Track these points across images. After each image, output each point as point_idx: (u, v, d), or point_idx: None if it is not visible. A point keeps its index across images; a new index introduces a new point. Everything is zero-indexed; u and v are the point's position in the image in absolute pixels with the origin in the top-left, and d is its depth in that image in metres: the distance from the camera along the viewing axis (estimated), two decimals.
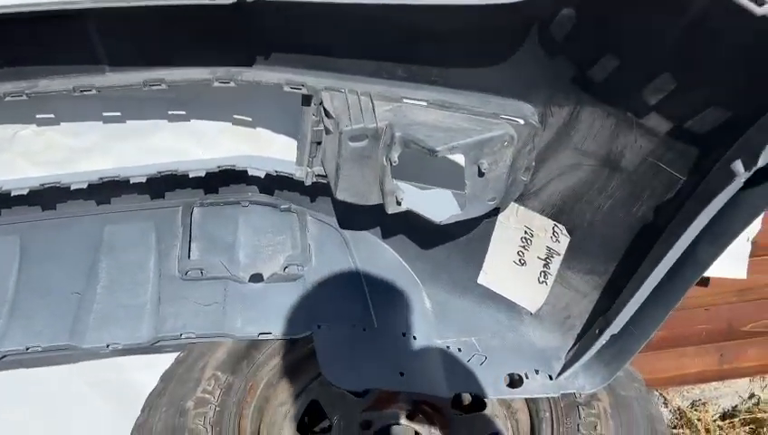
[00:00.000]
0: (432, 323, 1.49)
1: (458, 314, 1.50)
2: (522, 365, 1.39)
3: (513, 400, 1.42)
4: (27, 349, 1.43)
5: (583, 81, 1.06)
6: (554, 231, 1.30)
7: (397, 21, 1.10)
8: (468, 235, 1.46)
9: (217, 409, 1.32)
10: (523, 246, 1.38)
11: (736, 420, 2.28)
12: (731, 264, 1.86)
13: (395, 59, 1.22)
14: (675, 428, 2.31)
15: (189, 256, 1.57)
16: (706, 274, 1.91)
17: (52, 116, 1.46)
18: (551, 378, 1.36)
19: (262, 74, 1.32)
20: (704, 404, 2.34)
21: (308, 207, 1.62)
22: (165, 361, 1.59)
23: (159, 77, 1.30)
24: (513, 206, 1.34)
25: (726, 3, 0.76)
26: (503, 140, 1.15)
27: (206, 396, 1.34)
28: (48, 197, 1.51)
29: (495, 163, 1.18)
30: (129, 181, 1.49)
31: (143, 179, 1.49)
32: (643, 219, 1.14)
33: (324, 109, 1.27)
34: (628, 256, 1.20)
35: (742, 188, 0.90)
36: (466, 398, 1.60)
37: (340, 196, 1.30)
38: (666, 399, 2.33)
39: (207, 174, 1.51)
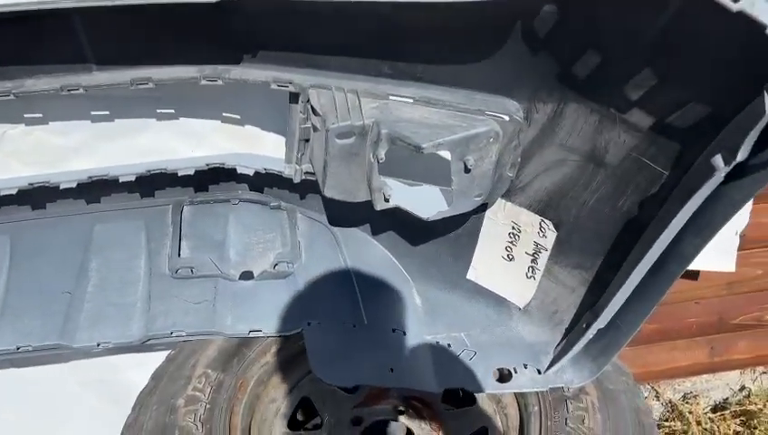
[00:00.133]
0: (422, 318, 1.50)
1: (448, 310, 1.51)
2: (511, 360, 1.39)
3: (502, 394, 1.43)
4: (18, 348, 1.43)
5: (567, 77, 1.06)
6: (541, 226, 1.31)
7: (381, 18, 1.11)
8: (457, 231, 1.46)
9: (208, 406, 1.32)
10: (511, 242, 1.39)
11: (727, 412, 2.29)
12: (719, 257, 1.87)
13: (381, 56, 1.22)
14: (666, 421, 2.33)
15: (179, 255, 1.57)
16: (696, 267, 1.96)
17: (40, 115, 1.46)
18: (539, 372, 1.37)
19: (249, 72, 1.32)
20: (695, 397, 2.35)
21: (298, 205, 1.62)
22: (157, 359, 1.59)
23: (146, 76, 1.30)
24: (500, 202, 1.35)
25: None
26: (488, 137, 1.16)
27: (197, 394, 1.35)
28: (37, 196, 1.51)
29: (481, 159, 1.18)
30: (118, 180, 1.49)
31: (132, 178, 1.49)
32: (628, 214, 1.15)
33: (311, 106, 1.28)
34: (614, 251, 1.21)
35: (723, 183, 0.91)
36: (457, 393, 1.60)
37: (328, 193, 1.30)
38: (657, 392, 2.35)
39: (197, 172, 1.52)
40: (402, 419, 1.48)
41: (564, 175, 1.21)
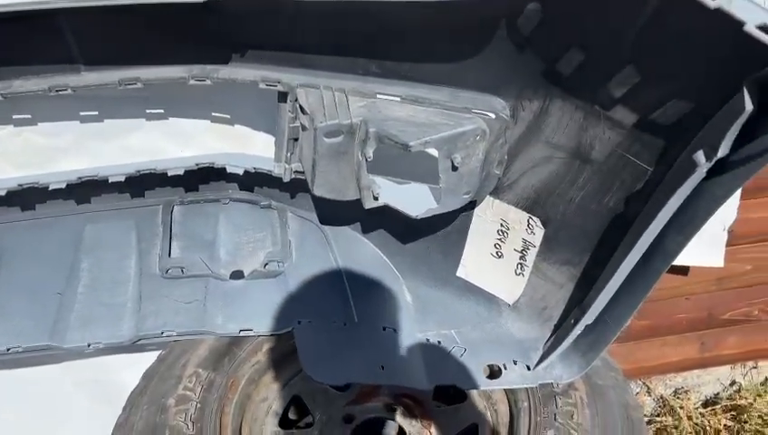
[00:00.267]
0: (412, 316, 1.50)
1: (438, 307, 1.52)
2: (500, 356, 1.40)
3: (492, 390, 1.43)
4: (8, 350, 1.43)
5: (552, 75, 1.07)
6: (529, 223, 1.32)
7: (368, 17, 1.11)
8: (446, 228, 1.47)
9: (198, 405, 1.32)
10: (500, 239, 1.40)
11: (718, 407, 2.31)
12: (708, 252, 1.89)
13: (368, 55, 1.23)
14: (658, 416, 2.35)
15: (170, 255, 1.57)
16: (685, 263, 1.97)
17: (29, 116, 1.46)
18: (529, 368, 1.37)
19: (237, 72, 1.32)
20: (686, 392, 2.37)
21: (288, 204, 1.62)
22: (150, 359, 1.59)
23: (135, 76, 1.30)
24: (488, 199, 1.36)
25: None
26: (475, 135, 1.16)
27: (188, 393, 1.35)
28: (27, 197, 1.51)
29: (468, 157, 1.19)
30: (107, 180, 1.49)
31: (122, 178, 1.50)
32: (614, 210, 1.16)
33: (300, 105, 1.28)
34: (601, 247, 1.22)
35: (705, 179, 0.92)
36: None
37: (317, 192, 1.31)
38: (649, 387, 2.36)
39: (187, 172, 1.52)
40: (393, 416, 1.48)
41: (551, 172, 1.22)
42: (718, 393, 2.40)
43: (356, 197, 1.30)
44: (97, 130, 1.51)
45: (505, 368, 1.38)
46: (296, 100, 1.29)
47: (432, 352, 1.43)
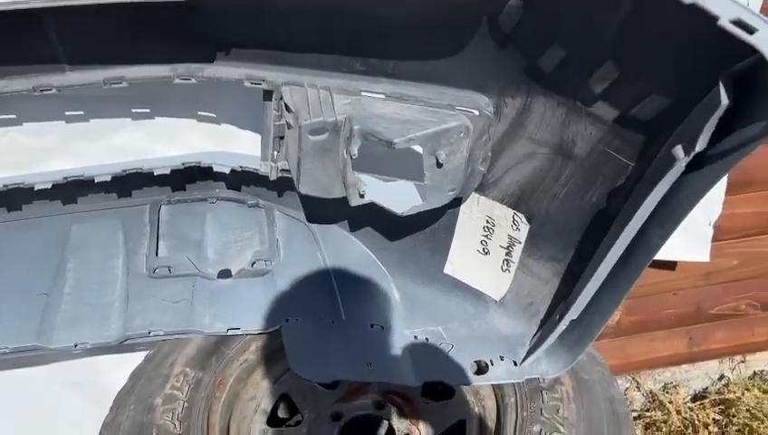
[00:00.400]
0: (400, 313, 1.51)
1: (426, 304, 1.52)
2: (487, 352, 1.41)
3: (480, 386, 1.44)
4: None
5: (533, 71, 1.08)
6: (514, 220, 1.33)
7: (350, 14, 1.12)
8: (433, 226, 1.48)
9: (186, 404, 1.32)
10: (486, 236, 1.40)
11: (706, 401, 2.32)
12: (694, 247, 1.90)
13: (352, 53, 1.23)
14: (648, 411, 2.36)
15: (157, 254, 1.57)
16: (671, 258, 1.98)
17: (14, 116, 1.45)
18: (515, 364, 1.38)
19: (222, 70, 1.32)
20: (675, 387, 2.38)
21: (275, 202, 1.63)
22: (139, 359, 1.59)
23: (120, 75, 1.30)
24: (474, 196, 1.36)
25: None
26: (458, 131, 1.17)
27: (175, 392, 1.35)
28: (12, 198, 1.51)
29: (453, 154, 1.20)
30: (93, 180, 1.49)
31: (108, 178, 1.49)
32: (597, 206, 1.17)
33: (285, 103, 1.28)
34: (585, 242, 1.23)
35: (685, 173, 0.93)
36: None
37: (302, 190, 1.31)
38: (638, 382, 2.37)
39: (173, 171, 1.52)
40: (382, 413, 1.49)
41: (534, 168, 1.23)
42: (707, 387, 2.42)
43: (342, 194, 1.31)
44: (83, 130, 1.51)
45: (492, 364, 1.39)
46: (281, 98, 1.29)
47: (419, 349, 1.44)
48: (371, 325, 1.47)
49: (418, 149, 1.18)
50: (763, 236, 2.09)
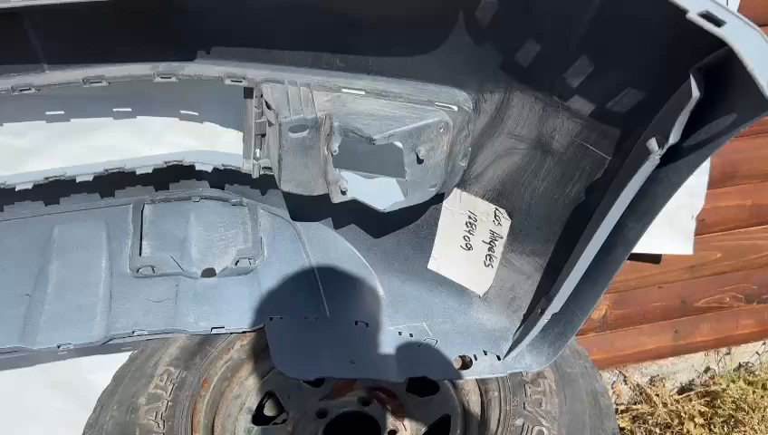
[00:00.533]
0: (384, 310, 1.51)
1: (410, 300, 1.53)
2: (471, 347, 1.41)
3: (464, 381, 1.44)
4: None
5: (511, 66, 1.08)
6: (496, 215, 1.33)
7: (327, 11, 1.12)
8: (416, 222, 1.48)
9: (170, 404, 1.32)
10: (469, 231, 1.41)
11: (692, 393, 2.34)
12: (677, 241, 1.92)
13: (332, 49, 1.23)
14: (635, 404, 2.37)
15: (140, 254, 1.57)
16: (655, 251, 2.00)
17: None
18: (499, 358, 1.39)
19: (203, 68, 1.32)
20: (662, 380, 2.40)
21: (259, 201, 1.62)
22: (124, 359, 1.58)
23: (99, 74, 1.30)
24: (456, 192, 1.37)
25: None
26: (438, 127, 1.17)
27: (159, 392, 1.34)
28: None
29: (433, 150, 1.20)
30: (75, 180, 1.48)
31: (90, 178, 1.49)
32: (576, 200, 1.17)
33: (265, 101, 1.28)
34: (565, 237, 1.23)
35: (660, 166, 0.93)
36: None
37: (284, 187, 1.31)
38: (625, 376, 2.39)
39: (156, 170, 1.51)
40: (367, 410, 1.49)
41: (515, 163, 1.23)
42: (693, 380, 2.44)
43: (324, 192, 1.31)
44: (64, 130, 1.50)
45: (476, 358, 1.39)
46: (261, 95, 1.29)
47: (404, 345, 1.44)
48: (356, 322, 1.47)
49: (399, 145, 1.19)
50: (746, 228, 2.11)
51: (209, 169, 1.50)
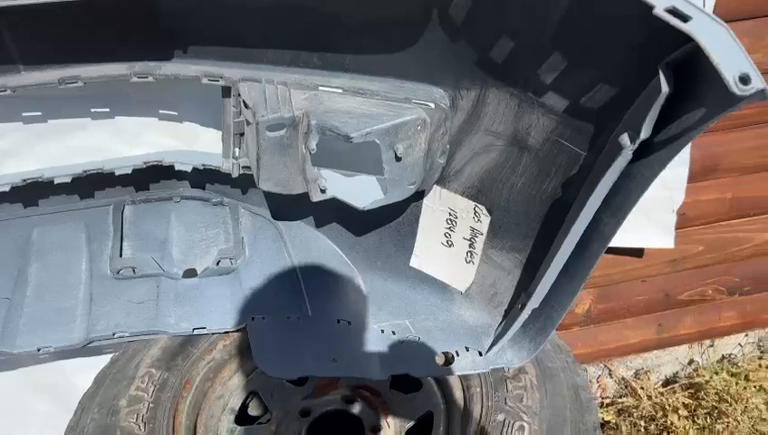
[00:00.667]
0: (367, 308, 1.51)
1: (393, 298, 1.53)
2: (453, 344, 1.42)
3: (446, 377, 1.45)
4: None
5: (485, 63, 1.09)
6: (476, 211, 1.34)
7: (302, 9, 1.11)
8: (398, 219, 1.48)
9: (151, 405, 1.31)
10: (449, 228, 1.41)
11: (677, 385, 2.36)
12: (659, 235, 1.93)
13: (309, 47, 1.23)
14: (620, 397, 2.39)
15: (121, 255, 1.56)
16: (637, 245, 2.01)
17: None
18: (480, 354, 1.39)
19: (180, 68, 1.31)
20: (646, 373, 2.42)
21: (240, 200, 1.62)
22: (107, 361, 1.57)
23: (75, 74, 1.29)
24: (435, 189, 1.37)
25: None
26: (416, 125, 1.17)
27: (140, 394, 1.34)
28: None
29: (411, 148, 1.20)
30: (53, 182, 1.47)
31: (68, 179, 1.47)
32: (553, 196, 1.18)
33: (243, 100, 1.28)
34: (544, 232, 1.24)
35: (633, 161, 0.94)
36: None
37: (263, 186, 1.30)
38: (610, 370, 2.41)
39: (136, 171, 1.50)
40: (351, 408, 1.49)
41: (492, 160, 1.24)
42: (677, 372, 2.46)
43: (303, 190, 1.30)
44: (41, 132, 1.48)
45: (458, 355, 1.40)
46: (239, 94, 1.28)
47: (386, 343, 1.45)
48: (338, 321, 1.47)
49: (376, 142, 1.19)
50: (727, 221, 2.13)
51: (189, 169, 1.49)
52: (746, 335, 2.46)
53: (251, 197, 1.59)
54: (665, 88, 0.81)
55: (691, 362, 2.45)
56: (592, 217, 1.05)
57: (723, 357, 2.46)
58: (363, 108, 1.21)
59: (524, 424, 1.25)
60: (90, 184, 1.55)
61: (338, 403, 1.50)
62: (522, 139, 1.15)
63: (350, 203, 1.28)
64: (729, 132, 1.89)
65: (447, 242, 1.43)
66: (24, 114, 1.46)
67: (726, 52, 0.72)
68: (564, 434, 1.25)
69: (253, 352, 1.39)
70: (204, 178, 1.58)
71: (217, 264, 1.54)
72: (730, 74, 0.71)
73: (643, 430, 2.21)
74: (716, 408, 2.22)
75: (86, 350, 1.49)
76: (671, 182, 1.83)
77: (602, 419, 2.29)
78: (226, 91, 1.34)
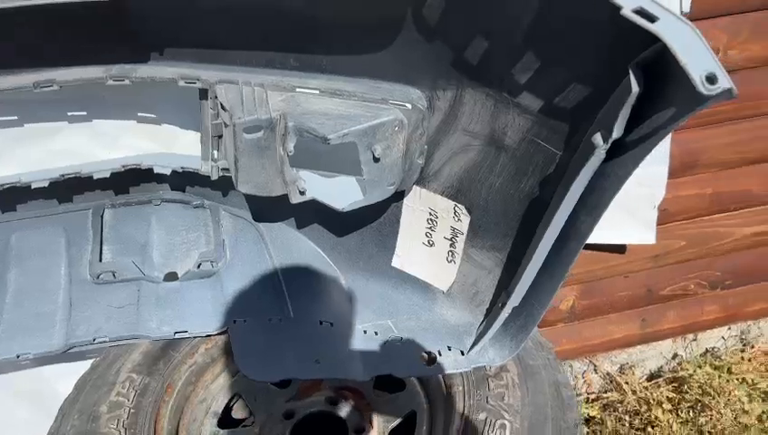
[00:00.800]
0: (349, 309, 1.51)
1: (375, 298, 1.53)
2: (436, 343, 1.42)
3: (429, 377, 1.45)
4: None
5: (461, 63, 1.09)
6: (455, 211, 1.34)
7: (277, 11, 1.11)
8: (379, 220, 1.48)
9: (132, 411, 1.30)
10: (430, 228, 1.41)
11: (661, 380, 2.38)
12: (640, 230, 1.94)
13: (286, 49, 1.22)
14: (606, 392, 2.41)
15: (101, 259, 1.55)
16: (619, 241, 2.03)
17: None
18: (463, 353, 1.40)
19: (157, 70, 1.30)
20: (631, 368, 2.44)
21: (221, 202, 1.61)
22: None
23: (50, 78, 1.28)
24: (415, 189, 1.37)
25: None
26: (393, 125, 1.17)
27: (120, 399, 1.33)
28: None
29: (389, 148, 1.20)
30: (30, 187, 1.45)
31: (45, 184, 1.46)
32: (531, 195, 1.19)
33: (220, 102, 1.27)
34: (522, 231, 1.24)
35: (606, 160, 0.94)
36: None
37: (241, 189, 1.30)
38: (595, 365, 2.42)
39: (116, 174, 1.49)
40: (334, 409, 1.49)
41: (470, 160, 1.24)
42: (662, 367, 2.48)
43: (282, 192, 1.30)
44: (19, 135, 1.47)
45: (441, 354, 1.40)
46: (216, 96, 1.27)
47: (369, 343, 1.44)
48: (320, 322, 1.47)
49: (354, 144, 1.18)
50: (708, 216, 2.15)
51: (168, 172, 1.48)
52: (729, 329, 2.48)
53: (232, 199, 1.59)
54: (635, 88, 0.81)
55: (675, 356, 2.47)
56: (569, 216, 1.05)
57: (706, 351, 2.49)
58: (340, 109, 1.20)
59: (506, 422, 1.26)
60: (68, 188, 1.53)
61: (321, 405, 1.50)
62: (499, 138, 1.16)
63: (329, 204, 1.28)
64: (705, 129, 1.91)
65: (429, 242, 1.44)
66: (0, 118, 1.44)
67: (693, 52, 0.72)
68: (545, 432, 1.26)
69: (234, 355, 1.39)
70: (184, 180, 1.57)
71: (198, 267, 1.53)
72: (697, 74, 0.72)
73: (627, 424, 2.23)
74: (700, 401, 2.24)
75: (68, 355, 1.48)
76: (651, 179, 1.85)
77: (588, 414, 2.31)
78: (204, 94, 1.33)
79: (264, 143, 1.24)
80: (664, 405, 2.23)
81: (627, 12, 0.74)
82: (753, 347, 2.48)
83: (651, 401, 2.26)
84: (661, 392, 2.29)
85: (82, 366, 1.56)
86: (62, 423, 1.32)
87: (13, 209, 1.55)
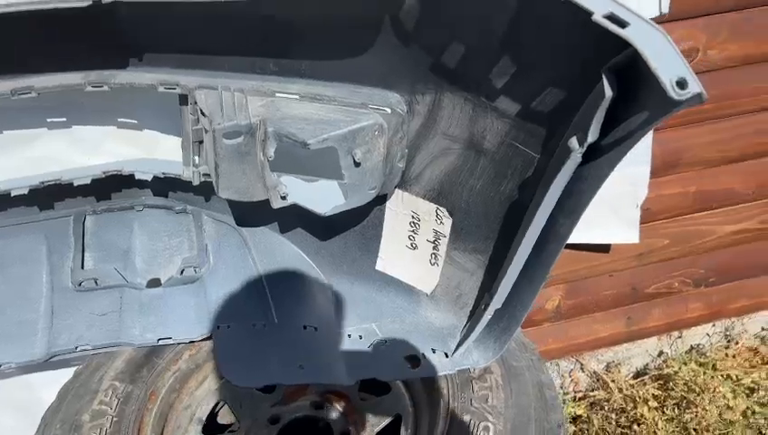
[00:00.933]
0: (333, 313, 1.51)
1: (360, 302, 1.53)
2: (420, 346, 1.42)
3: (414, 380, 1.45)
4: None
5: (439, 68, 1.09)
6: (437, 214, 1.34)
7: (256, 16, 1.11)
8: (363, 223, 1.48)
9: (115, 419, 1.29)
10: (413, 231, 1.41)
11: (647, 377, 2.40)
12: (623, 230, 1.96)
13: (265, 54, 1.22)
14: (592, 391, 2.42)
15: (83, 266, 1.54)
16: (603, 241, 2.04)
17: None
18: (447, 356, 1.40)
19: (136, 76, 1.30)
20: (617, 366, 2.45)
21: (203, 207, 1.60)
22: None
23: (28, 85, 1.26)
24: (397, 192, 1.37)
25: None
26: (373, 130, 1.17)
27: (103, 408, 1.32)
28: None
29: (369, 153, 1.20)
30: (9, 194, 1.44)
31: (25, 191, 1.45)
32: (510, 197, 1.19)
33: (200, 108, 1.26)
34: (503, 234, 1.25)
35: (583, 163, 0.95)
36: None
37: (222, 194, 1.29)
38: (582, 364, 2.44)
39: (96, 180, 1.48)
40: (320, 414, 1.49)
41: (451, 163, 1.24)
42: (647, 364, 2.50)
43: (264, 197, 1.30)
44: None
45: (425, 357, 1.40)
46: (196, 102, 1.27)
47: (354, 347, 1.44)
48: (304, 327, 1.47)
49: (334, 148, 1.18)
50: (691, 214, 2.17)
51: (149, 177, 1.47)
52: (713, 325, 2.51)
53: (214, 204, 1.58)
54: (608, 92, 0.82)
55: (660, 353, 2.49)
56: (548, 218, 1.06)
57: (691, 348, 2.51)
58: (320, 114, 1.20)
59: (489, 425, 1.26)
60: (48, 195, 1.52)
61: (307, 409, 1.50)
62: (478, 142, 1.16)
63: (311, 209, 1.28)
64: (687, 128, 1.92)
65: (412, 245, 1.44)
66: None
67: (664, 57, 0.73)
68: (529, 433, 1.26)
69: (218, 361, 1.38)
70: (166, 185, 1.56)
71: (181, 273, 1.52)
72: (667, 79, 0.72)
73: (614, 422, 2.24)
74: (685, 398, 2.26)
75: (51, 363, 1.47)
76: (634, 178, 1.86)
77: (574, 413, 2.32)
78: (183, 99, 1.32)
79: (245, 149, 1.23)
80: (650, 402, 2.25)
81: (598, 17, 0.75)
82: (737, 343, 2.51)
83: (637, 398, 2.28)
84: (647, 390, 2.30)
85: (68, 374, 1.55)
86: (44, 433, 1.31)
87: None
